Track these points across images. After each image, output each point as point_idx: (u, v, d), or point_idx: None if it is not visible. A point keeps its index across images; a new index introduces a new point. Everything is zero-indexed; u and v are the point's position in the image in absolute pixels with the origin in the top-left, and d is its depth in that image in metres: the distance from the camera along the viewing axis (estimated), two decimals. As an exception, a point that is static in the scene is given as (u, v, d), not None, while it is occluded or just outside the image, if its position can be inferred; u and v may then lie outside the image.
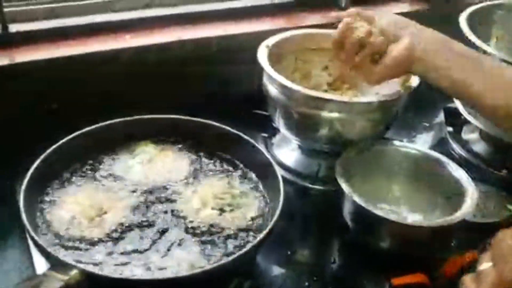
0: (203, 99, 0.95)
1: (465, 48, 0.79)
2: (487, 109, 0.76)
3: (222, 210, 0.76)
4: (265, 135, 1.01)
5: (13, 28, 0.96)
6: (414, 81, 0.88)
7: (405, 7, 1.26)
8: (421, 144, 1.07)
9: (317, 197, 0.93)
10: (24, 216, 0.67)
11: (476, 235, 0.79)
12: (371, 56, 0.80)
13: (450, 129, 1.10)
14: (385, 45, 0.80)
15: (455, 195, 0.82)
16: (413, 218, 0.84)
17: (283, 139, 1.02)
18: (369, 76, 0.83)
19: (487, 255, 0.56)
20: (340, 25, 0.81)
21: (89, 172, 0.81)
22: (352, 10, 0.83)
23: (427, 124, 1.15)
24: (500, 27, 1.09)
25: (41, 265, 0.71)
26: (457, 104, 1.05)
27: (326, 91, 1.00)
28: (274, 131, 1.02)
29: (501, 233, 0.56)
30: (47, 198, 0.76)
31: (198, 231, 0.73)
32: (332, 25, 1.01)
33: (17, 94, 0.93)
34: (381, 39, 0.79)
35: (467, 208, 0.78)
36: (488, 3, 1.11)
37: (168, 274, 0.65)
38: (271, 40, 0.96)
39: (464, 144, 1.07)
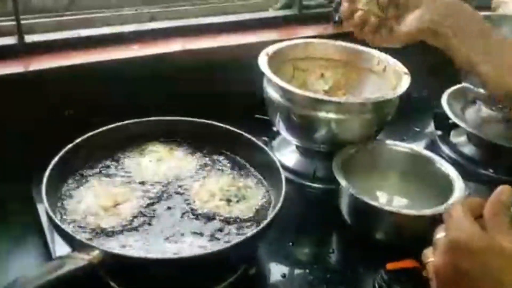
0: (208, 104, 1.00)
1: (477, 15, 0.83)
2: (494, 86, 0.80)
3: (229, 201, 0.81)
4: (266, 138, 1.06)
5: (29, 38, 1.02)
6: (404, 85, 0.95)
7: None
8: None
9: (315, 194, 0.99)
10: (46, 204, 0.71)
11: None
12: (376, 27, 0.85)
13: (439, 132, 1.15)
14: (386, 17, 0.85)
15: (445, 189, 0.87)
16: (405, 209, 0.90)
17: (282, 142, 1.07)
18: (382, 42, 0.88)
19: (441, 227, 0.62)
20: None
21: (104, 168, 0.86)
22: None
23: (418, 129, 1.21)
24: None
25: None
26: (446, 108, 1.12)
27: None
28: (274, 134, 1.08)
29: (451, 207, 0.62)
30: (65, 191, 0.80)
31: (207, 220, 0.78)
32: (327, 37, 1.10)
33: (31, 99, 0.98)
34: (375, 18, 0.84)
35: (456, 199, 0.84)
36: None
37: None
38: (270, 49, 1.02)
39: (453, 146, 1.12)
